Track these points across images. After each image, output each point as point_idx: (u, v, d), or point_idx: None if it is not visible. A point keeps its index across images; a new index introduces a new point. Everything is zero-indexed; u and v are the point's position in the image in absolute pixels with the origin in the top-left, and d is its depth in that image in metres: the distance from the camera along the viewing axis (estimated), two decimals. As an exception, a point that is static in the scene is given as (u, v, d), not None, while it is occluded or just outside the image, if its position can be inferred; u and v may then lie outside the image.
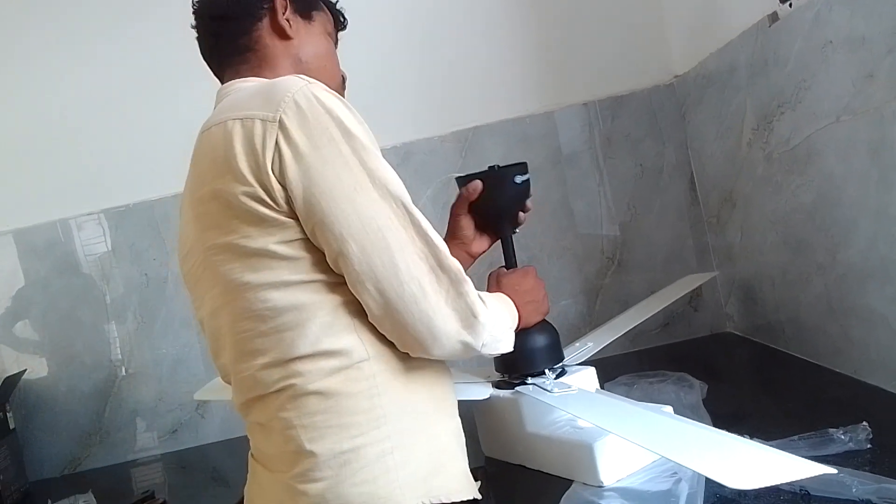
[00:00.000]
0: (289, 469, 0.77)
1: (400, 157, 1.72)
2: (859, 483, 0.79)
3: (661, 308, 1.40)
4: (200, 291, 0.86)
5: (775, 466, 0.74)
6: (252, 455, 0.87)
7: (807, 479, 0.72)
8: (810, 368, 1.29)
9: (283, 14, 0.93)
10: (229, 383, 0.87)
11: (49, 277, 1.77)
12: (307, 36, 0.96)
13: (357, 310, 0.78)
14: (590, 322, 1.73)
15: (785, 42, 1.20)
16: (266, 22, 0.93)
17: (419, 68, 1.75)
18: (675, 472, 0.93)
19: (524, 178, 1.10)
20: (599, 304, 1.75)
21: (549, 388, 1.07)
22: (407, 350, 0.79)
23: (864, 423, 0.93)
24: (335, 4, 1.04)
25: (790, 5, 1.17)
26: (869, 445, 0.90)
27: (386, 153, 0.80)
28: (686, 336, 1.73)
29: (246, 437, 0.87)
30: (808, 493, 0.82)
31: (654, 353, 1.69)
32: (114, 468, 1.74)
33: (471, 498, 0.82)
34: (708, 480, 0.88)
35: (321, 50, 0.97)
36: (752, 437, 0.88)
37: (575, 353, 1.26)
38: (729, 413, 1.13)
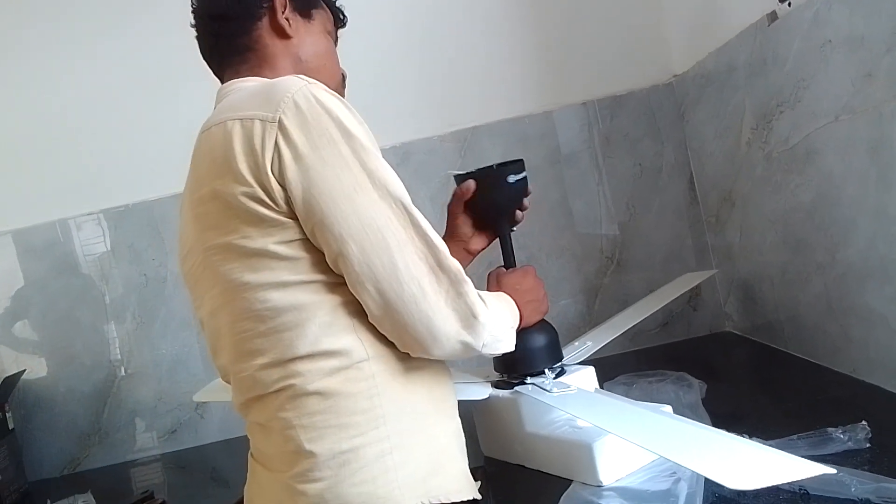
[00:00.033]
0: (288, 469, 0.77)
1: (399, 156, 1.72)
2: (858, 482, 0.79)
3: (660, 307, 1.40)
4: (200, 291, 0.86)
5: (774, 466, 0.74)
6: (251, 455, 0.87)
7: (806, 478, 0.72)
8: (809, 368, 1.29)
9: (283, 13, 0.93)
10: (229, 383, 0.87)
11: (48, 278, 1.77)
12: (307, 35, 0.95)
13: (357, 310, 0.78)
14: (589, 321, 1.73)
15: (784, 41, 1.20)
16: (265, 21, 0.92)
17: (418, 68, 1.75)
18: (675, 472, 0.93)
19: (517, 177, 1.09)
20: (598, 303, 1.75)
21: (548, 388, 1.07)
22: (407, 350, 0.79)
23: (864, 422, 0.93)
24: (335, 2, 1.04)
25: (789, 5, 1.17)
26: (868, 445, 0.90)
27: (385, 153, 0.80)
28: (685, 335, 1.73)
29: (245, 437, 0.87)
30: (808, 492, 0.82)
31: (653, 353, 1.69)
32: (113, 468, 1.74)
33: (470, 498, 0.82)
34: (707, 480, 0.87)
35: (321, 49, 0.97)
36: (751, 437, 0.88)
37: (574, 352, 1.26)
38: (728, 412, 1.13)
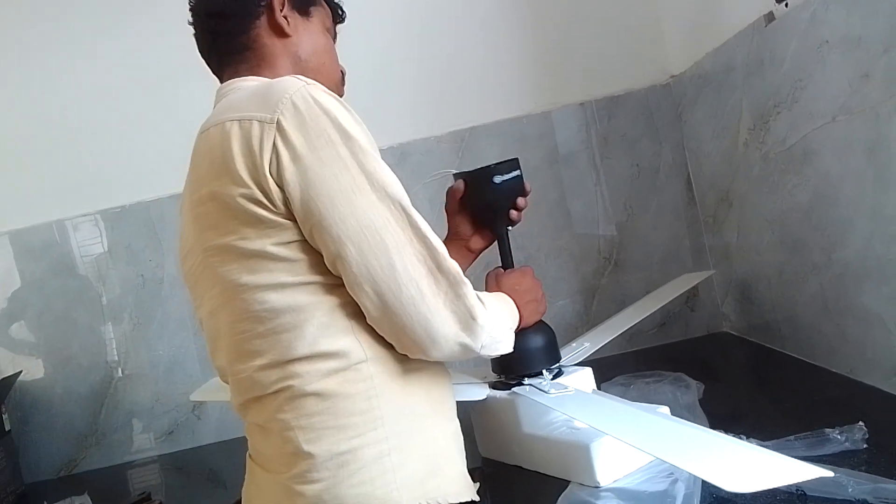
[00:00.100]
0: (286, 470, 0.77)
1: (396, 157, 1.71)
2: (855, 483, 0.79)
3: (657, 307, 1.40)
4: (200, 291, 0.86)
5: (772, 469, 0.74)
6: (250, 456, 0.87)
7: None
8: (807, 368, 1.29)
9: (281, 11, 0.92)
10: (228, 383, 0.87)
11: (45, 279, 1.76)
12: (305, 33, 0.95)
13: (355, 311, 0.78)
14: (587, 322, 1.73)
15: (781, 42, 1.20)
16: (264, 20, 0.92)
17: (416, 69, 1.75)
18: (672, 473, 0.93)
19: (504, 177, 1.08)
20: (596, 304, 1.75)
21: (545, 389, 1.07)
22: (405, 352, 0.79)
23: (861, 422, 0.93)
24: None
25: (786, 5, 1.17)
26: (865, 445, 0.90)
27: (382, 153, 0.79)
28: (683, 336, 1.73)
29: (242, 438, 0.87)
30: (805, 493, 0.82)
31: (650, 354, 1.69)
32: (110, 470, 1.73)
33: (468, 500, 0.82)
34: (704, 481, 0.87)
35: (320, 46, 0.97)
36: (748, 438, 0.88)
37: (572, 353, 1.26)
38: (725, 413, 1.13)
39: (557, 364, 1.15)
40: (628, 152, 1.74)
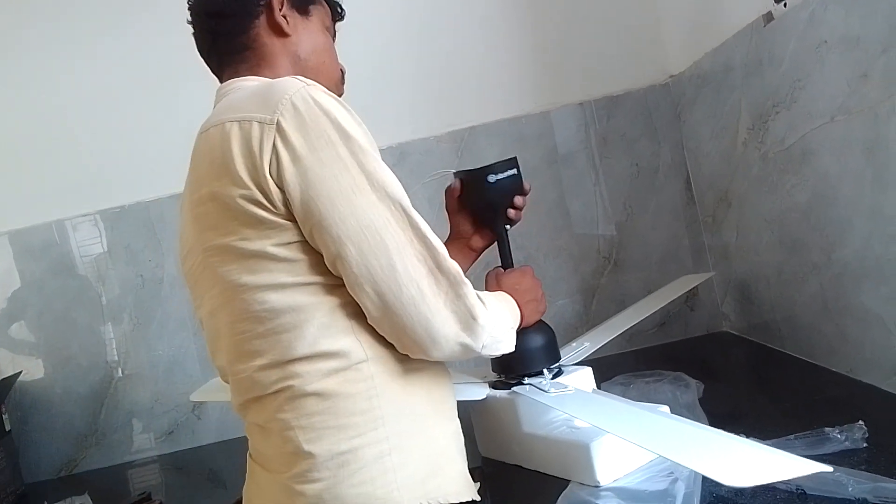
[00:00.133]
0: (287, 470, 0.77)
1: (395, 157, 1.71)
2: (855, 482, 0.79)
3: (657, 308, 1.41)
4: (200, 291, 0.86)
5: (772, 464, 0.74)
6: (250, 456, 0.87)
7: (803, 477, 0.73)
8: (806, 367, 1.29)
9: (280, 10, 0.92)
10: (228, 383, 0.87)
11: (44, 279, 1.76)
12: (305, 32, 0.95)
13: (355, 311, 0.78)
14: (586, 322, 1.73)
15: (780, 42, 1.20)
16: (263, 19, 0.92)
17: (415, 69, 1.75)
18: (672, 472, 0.93)
19: (499, 176, 1.08)
20: (596, 303, 1.75)
21: (545, 389, 1.07)
22: (406, 352, 0.79)
23: (860, 421, 0.93)
24: None
25: (785, 5, 1.18)
26: (865, 444, 0.90)
27: (382, 153, 0.80)
28: (682, 335, 1.74)
29: (242, 438, 0.87)
30: (805, 492, 0.82)
31: (650, 353, 1.69)
32: (110, 470, 1.74)
33: (469, 500, 0.82)
34: (704, 480, 0.88)
35: (319, 45, 0.97)
36: (748, 437, 0.88)
37: (572, 353, 1.26)
38: (725, 412, 1.13)
39: (557, 363, 1.15)
40: (627, 152, 1.74)
